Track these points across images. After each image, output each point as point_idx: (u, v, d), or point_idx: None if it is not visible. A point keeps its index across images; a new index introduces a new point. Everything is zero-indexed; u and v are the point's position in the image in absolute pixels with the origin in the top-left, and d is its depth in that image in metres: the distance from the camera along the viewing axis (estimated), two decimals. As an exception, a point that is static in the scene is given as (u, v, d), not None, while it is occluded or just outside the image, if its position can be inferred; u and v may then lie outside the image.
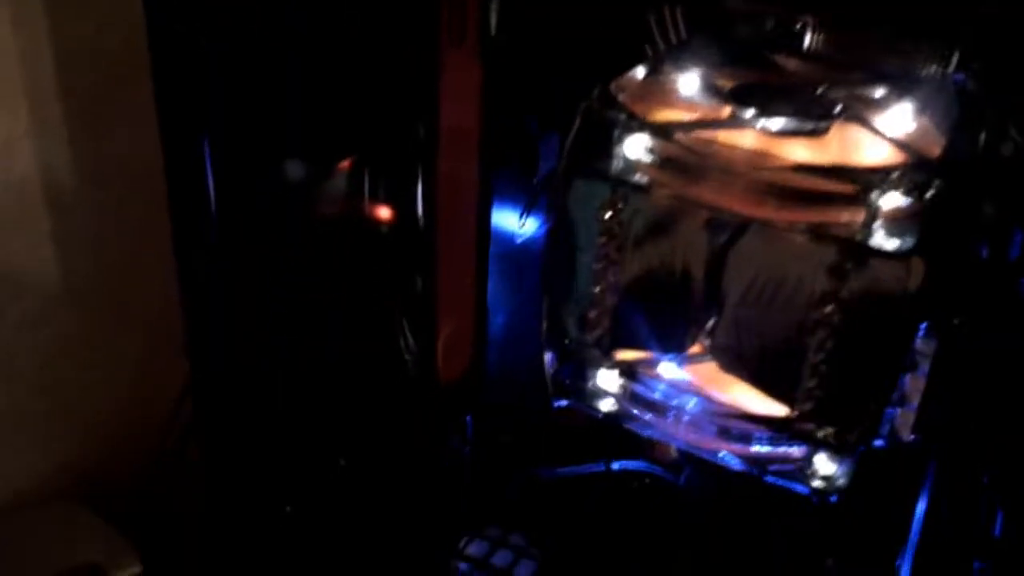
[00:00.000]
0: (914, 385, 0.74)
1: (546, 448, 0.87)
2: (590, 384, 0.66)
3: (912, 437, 0.73)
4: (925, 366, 0.69)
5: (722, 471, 0.78)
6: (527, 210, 0.78)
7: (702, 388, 0.62)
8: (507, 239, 0.78)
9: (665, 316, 0.63)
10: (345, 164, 0.76)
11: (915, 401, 0.73)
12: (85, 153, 0.92)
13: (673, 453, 0.84)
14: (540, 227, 0.78)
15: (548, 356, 0.68)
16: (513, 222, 0.78)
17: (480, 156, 0.71)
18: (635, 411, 0.65)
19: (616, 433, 0.87)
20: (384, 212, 0.75)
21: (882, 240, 0.56)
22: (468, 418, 0.82)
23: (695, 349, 0.62)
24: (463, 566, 0.90)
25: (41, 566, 0.91)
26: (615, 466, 0.81)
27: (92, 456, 1.02)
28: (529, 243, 0.79)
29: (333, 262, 0.80)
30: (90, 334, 0.98)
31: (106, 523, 0.96)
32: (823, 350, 0.56)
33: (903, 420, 0.76)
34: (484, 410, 0.82)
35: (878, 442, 0.71)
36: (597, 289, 0.63)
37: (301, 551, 0.92)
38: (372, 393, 0.87)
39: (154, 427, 0.99)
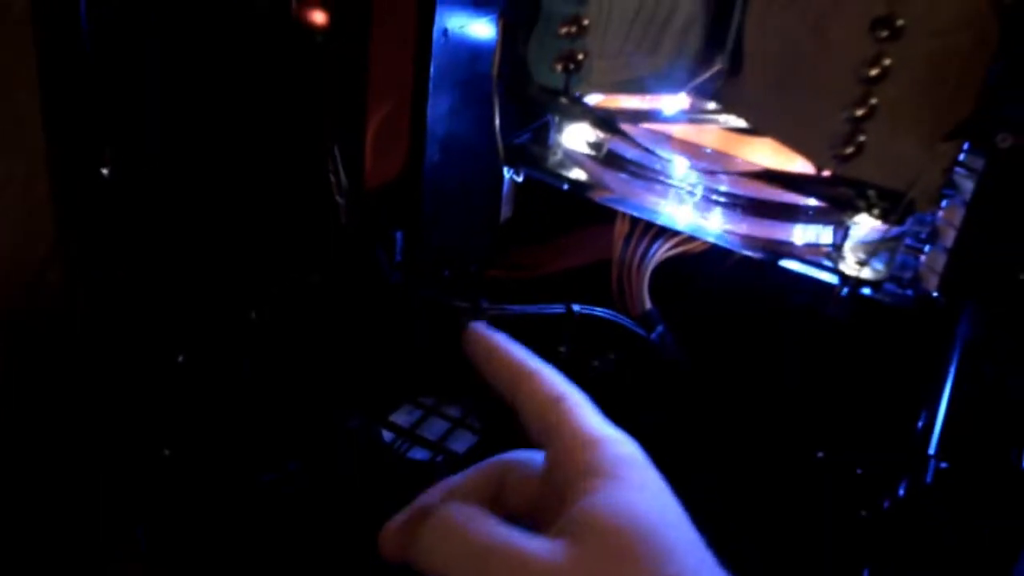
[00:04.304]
0: (948, 216, 0.59)
1: (493, 290, 0.72)
2: (554, 145, 0.50)
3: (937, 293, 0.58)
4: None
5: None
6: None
7: (701, 146, 0.47)
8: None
9: (662, 39, 0.47)
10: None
11: (948, 239, 0.59)
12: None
13: (646, 303, 0.69)
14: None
15: (498, 114, 0.52)
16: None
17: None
18: (611, 179, 0.49)
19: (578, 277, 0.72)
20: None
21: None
22: (398, 235, 0.66)
23: (708, 104, 0.46)
24: (388, 436, 0.75)
25: None
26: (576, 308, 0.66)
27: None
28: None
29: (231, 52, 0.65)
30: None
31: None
32: (880, 67, 0.40)
33: (930, 264, 0.61)
34: (421, 228, 0.66)
35: (908, 291, 0.57)
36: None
37: (190, 416, 0.75)
38: (286, 218, 0.71)
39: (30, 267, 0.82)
